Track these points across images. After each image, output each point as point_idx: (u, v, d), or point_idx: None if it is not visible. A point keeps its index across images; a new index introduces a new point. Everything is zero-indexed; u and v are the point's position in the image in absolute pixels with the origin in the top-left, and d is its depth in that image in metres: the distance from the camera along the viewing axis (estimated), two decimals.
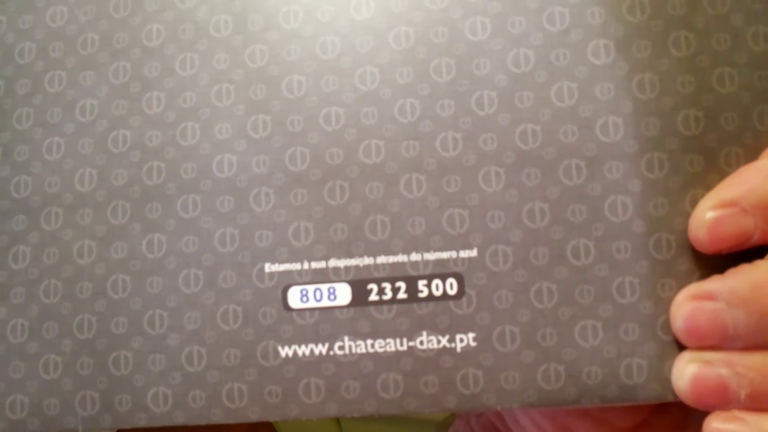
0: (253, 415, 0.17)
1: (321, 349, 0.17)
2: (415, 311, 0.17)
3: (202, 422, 0.17)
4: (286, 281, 0.17)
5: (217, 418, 0.17)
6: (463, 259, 0.17)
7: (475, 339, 0.16)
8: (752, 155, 0.16)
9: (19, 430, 0.18)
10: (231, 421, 0.17)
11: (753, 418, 0.14)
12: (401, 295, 0.17)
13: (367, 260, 0.17)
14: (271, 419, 0.17)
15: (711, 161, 0.16)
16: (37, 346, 0.18)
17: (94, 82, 0.18)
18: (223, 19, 0.18)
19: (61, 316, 0.18)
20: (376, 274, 0.17)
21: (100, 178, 0.18)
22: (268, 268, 0.17)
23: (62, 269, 0.18)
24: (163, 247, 0.18)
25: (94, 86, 0.18)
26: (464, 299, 0.17)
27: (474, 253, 0.17)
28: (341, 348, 0.17)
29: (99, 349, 0.18)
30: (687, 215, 0.16)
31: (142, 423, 0.17)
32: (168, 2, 0.18)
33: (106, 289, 0.18)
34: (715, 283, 0.15)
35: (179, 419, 0.17)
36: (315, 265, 0.17)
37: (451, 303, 0.17)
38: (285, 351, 0.17)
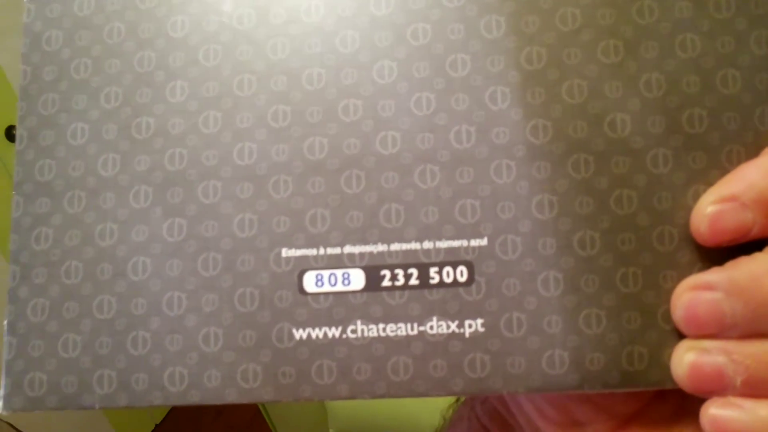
0: (267, 396, 0.18)
1: (334, 332, 0.17)
2: (426, 297, 0.17)
3: (216, 402, 0.18)
4: (302, 266, 0.18)
5: (232, 397, 0.18)
6: (473, 248, 0.17)
7: (483, 325, 0.17)
8: (753, 153, 0.17)
9: (37, 407, 0.18)
10: (245, 400, 0.18)
11: (748, 403, 0.15)
12: (413, 281, 0.17)
13: (381, 247, 0.18)
14: (284, 400, 0.18)
15: (713, 158, 0.17)
16: (57, 325, 0.18)
17: (119, 71, 0.19)
18: (247, 12, 0.19)
19: (81, 296, 0.18)
20: (390, 261, 0.18)
21: (123, 163, 0.19)
22: (285, 253, 0.18)
23: (84, 251, 0.19)
24: (183, 230, 0.18)
25: (119, 74, 0.19)
26: (474, 286, 0.17)
27: (484, 242, 0.17)
28: (354, 331, 0.17)
29: (118, 329, 0.18)
30: (689, 209, 0.17)
31: (158, 402, 0.18)
32: None
33: (127, 270, 0.18)
34: (715, 275, 0.16)
35: (194, 398, 0.18)
36: (330, 250, 0.18)
37: (461, 290, 0.17)
38: (299, 333, 0.18)
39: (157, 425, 1.57)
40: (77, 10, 0.20)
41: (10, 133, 1.06)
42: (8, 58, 1.04)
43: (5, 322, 0.19)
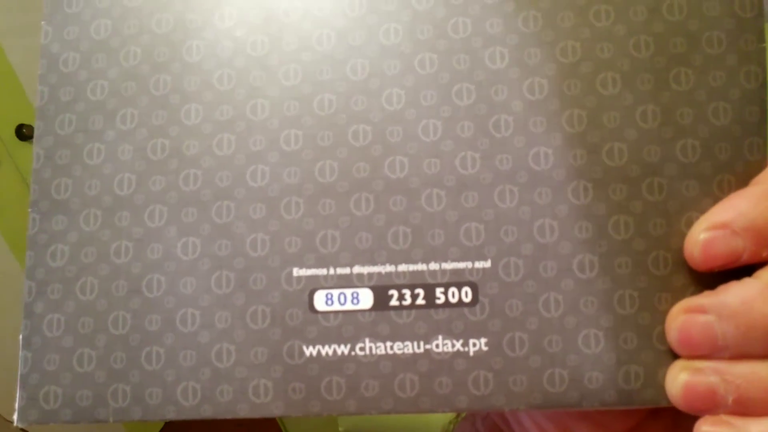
0: (277, 410, 0.18)
1: (343, 349, 0.18)
2: (432, 316, 0.18)
3: (228, 416, 0.18)
4: (313, 285, 0.18)
5: (243, 412, 0.18)
6: (477, 270, 0.18)
7: (486, 344, 0.18)
8: (743, 182, 0.18)
9: (51, 420, 0.19)
10: (256, 415, 0.18)
11: (739, 422, 0.15)
12: (420, 301, 0.18)
13: (389, 268, 0.18)
14: (293, 415, 0.18)
15: (705, 187, 0.18)
16: (72, 340, 0.19)
17: (135, 93, 0.20)
18: (260, 39, 0.19)
19: (96, 312, 0.19)
20: (397, 281, 0.18)
21: (138, 183, 0.19)
22: (296, 272, 0.18)
23: (99, 268, 0.19)
24: (197, 249, 0.19)
25: (135, 96, 0.20)
26: (478, 307, 0.18)
27: (488, 264, 0.18)
28: (362, 349, 0.18)
29: (132, 345, 0.19)
30: (683, 235, 0.18)
31: (171, 416, 0.18)
32: (208, 21, 0.20)
33: (141, 287, 0.19)
34: (707, 298, 0.16)
35: (207, 413, 0.18)
36: (340, 270, 0.18)
37: (465, 310, 0.18)
38: (309, 350, 0.18)
39: (166, 423, 1.56)
40: (94, 33, 0.20)
41: (20, 132, 1.06)
42: (18, 58, 1.04)
43: (20, 337, 0.19)
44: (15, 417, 0.19)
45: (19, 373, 0.19)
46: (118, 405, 0.19)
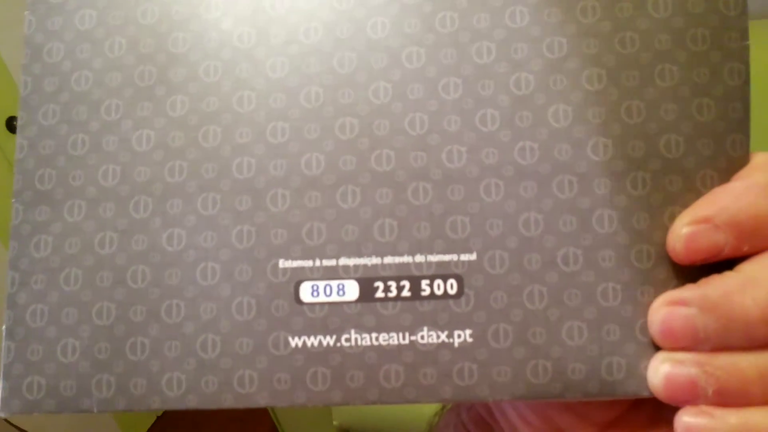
0: (262, 401, 0.18)
1: (329, 340, 0.18)
2: (418, 308, 0.18)
3: (213, 406, 0.18)
4: (299, 277, 0.18)
5: (228, 402, 0.18)
6: (463, 262, 0.18)
7: (471, 335, 0.18)
8: (725, 178, 0.18)
9: (35, 410, 0.19)
10: (241, 405, 0.18)
11: (719, 412, 0.16)
12: (405, 293, 0.18)
13: (375, 260, 0.18)
14: (279, 405, 0.18)
15: (688, 182, 0.18)
16: (56, 330, 0.19)
17: (120, 84, 0.20)
18: (247, 31, 0.19)
19: (80, 302, 0.19)
20: (383, 273, 0.18)
21: (123, 174, 0.19)
22: (282, 264, 0.18)
23: (83, 259, 0.19)
24: (182, 241, 0.19)
25: (120, 87, 0.20)
26: (463, 299, 0.18)
27: (473, 256, 0.18)
28: (348, 340, 0.18)
29: (117, 335, 0.19)
30: (666, 229, 0.18)
31: (156, 406, 0.18)
32: (194, 12, 0.20)
33: (126, 278, 0.19)
34: (689, 291, 0.17)
35: (191, 403, 0.18)
36: (326, 262, 0.18)
37: (450, 302, 0.18)
38: (295, 341, 0.18)
39: (158, 417, 1.55)
40: (78, 23, 0.20)
41: (11, 124, 1.06)
42: (9, 50, 1.03)
43: (3, 327, 0.19)
44: None
45: (1, 363, 0.19)
46: (102, 395, 0.18)
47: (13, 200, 0.19)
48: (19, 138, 0.20)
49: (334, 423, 0.63)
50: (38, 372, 0.19)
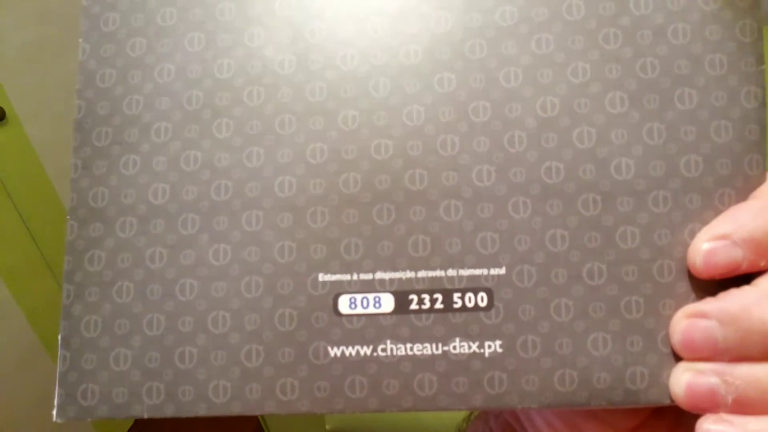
0: (303, 408, 0.19)
1: (366, 350, 0.19)
2: (450, 320, 0.19)
3: (257, 413, 0.19)
4: (337, 290, 0.20)
5: (271, 409, 0.19)
6: (493, 276, 0.19)
7: (501, 346, 0.19)
8: (743, 196, 0.19)
9: (89, 415, 0.20)
10: (283, 412, 0.19)
11: (739, 419, 0.16)
12: (438, 305, 0.19)
13: (410, 274, 0.19)
14: (318, 412, 0.19)
15: (707, 200, 0.19)
16: (109, 340, 0.20)
17: (169, 108, 0.21)
18: (288, 58, 0.21)
19: (132, 314, 0.20)
20: (417, 287, 0.19)
21: (172, 192, 0.20)
22: (322, 277, 0.20)
23: (135, 272, 0.20)
24: (228, 255, 0.20)
25: (169, 111, 0.21)
26: (493, 311, 0.19)
27: (503, 271, 0.19)
28: (384, 350, 0.19)
29: (166, 345, 0.20)
30: (686, 245, 0.19)
31: (202, 412, 0.20)
32: (238, 41, 0.21)
33: (175, 291, 0.20)
34: (709, 304, 0.17)
35: (236, 409, 0.19)
36: (363, 276, 0.20)
37: (481, 314, 0.19)
38: (334, 351, 0.19)
39: (135, 420, 1.56)
40: (129, 50, 0.21)
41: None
42: None
43: (59, 337, 0.20)
44: (54, 413, 0.20)
45: (57, 371, 0.20)
46: (152, 402, 0.20)
47: (68, 217, 0.21)
48: (73, 158, 0.21)
49: (327, 427, 0.64)
50: (92, 380, 0.20)
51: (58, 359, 0.20)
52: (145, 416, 0.20)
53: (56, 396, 0.20)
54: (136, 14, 0.21)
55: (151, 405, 0.20)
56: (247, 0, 0.21)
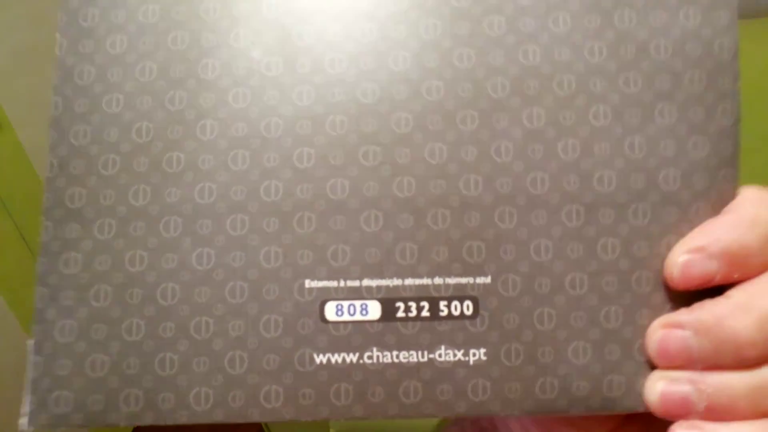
0: (288, 415, 0.19)
1: (352, 357, 0.19)
2: (436, 328, 0.19)
3: (240, 420, 0.19)
4: (324, 296, 0.19)
5: (255, 416, 0.19)
6: (478, 285, 0.19)
7: (485, 354, 0.19)
8: (716, 210, 0.19)
9: (62, 424, 0.19)
10: (267, 419, 0.19)
11: (710, 426, 0.17)
12: (425, 313, 0.19)
13: (396, 281, 0.19)
14: (303, 419, 0.19)
15: (683, 213, 0.20)
16: (85, 345, 0.19)
17: (151, 107, 0.20)
18: (275, 60, 0.20)
19: (110, 319, 0.19)
20: (404, 294, 0.19)
21: (153, 194, 0.20)
22: (308, 284, 0.19)
23: (113, 276, 0.20)
24: (212, 260, 0.20)
25: (151, 111, 0.20)
26: (478, 319, 0.19)
27: (488, 280, 0.19)
28: (370, 357, 0.19)
29: (146, 351, 0.19)
30: (663, 257, 0.19)
31: (183, 420, 0.19)
32: (223, 41, 0.20)
33: (156, 295, 0.19)
34: (684, 315, 0.18)
35: (219, 417, 0.19)
36: (350, 283, 0.19)
37: (467, 322, 0.19)
38: (319, 358, 0.19)
39: (134, 428, 1.52)
40: (110, 47, 0.21)
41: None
42: None
43: (31, 342, 0.20)
44: (25, 421, 0.19)
45: (29, 378, 0.19)
46: (130, 409, 0.19)
47: (42, 217, 0.20)
48: (49, 157, 0.20)
49: (331, 431, 0.64)
50: (66, 386, 0.19)
51: (30, 365, 0.20)
52: (122, 424, 0.19)
53: (27, 403, 0.19)
54: (116, 10, 0.21)
55: (129, 413, 0.19)
56: (232, 0, 0.21)
